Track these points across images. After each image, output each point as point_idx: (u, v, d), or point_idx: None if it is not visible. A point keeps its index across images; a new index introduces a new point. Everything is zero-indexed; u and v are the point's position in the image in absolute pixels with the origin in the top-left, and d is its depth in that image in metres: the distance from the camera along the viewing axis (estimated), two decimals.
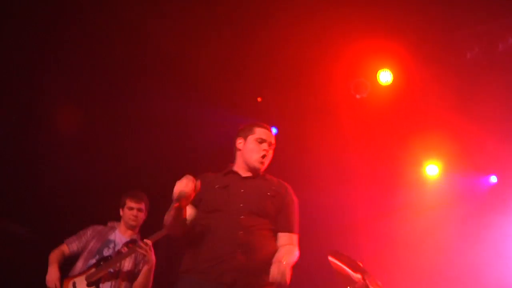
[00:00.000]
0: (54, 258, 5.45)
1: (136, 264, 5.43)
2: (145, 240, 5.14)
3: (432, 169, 8.29)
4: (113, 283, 5.30)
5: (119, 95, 7.49)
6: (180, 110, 7.71)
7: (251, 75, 7.63)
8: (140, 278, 5.35)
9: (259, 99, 8.22)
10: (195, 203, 3.94)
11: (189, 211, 3.90)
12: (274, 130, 8.42)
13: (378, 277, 4.89)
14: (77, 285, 5.33)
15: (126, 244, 5.45)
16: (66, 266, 5.51)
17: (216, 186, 4.02)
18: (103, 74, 7.26)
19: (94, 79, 7.31)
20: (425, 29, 6.86)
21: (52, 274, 5.34)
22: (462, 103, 7.10)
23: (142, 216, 5.61)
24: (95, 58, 7.10)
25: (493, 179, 8.15)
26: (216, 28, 6.96)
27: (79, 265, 5.46)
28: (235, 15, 6.82)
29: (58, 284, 5.29)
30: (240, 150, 4.17)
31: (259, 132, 4.16)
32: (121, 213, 5.67)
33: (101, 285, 5.26)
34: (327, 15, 6.57)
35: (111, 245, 5.52)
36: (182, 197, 3.65)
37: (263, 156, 4.08)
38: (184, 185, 3.65)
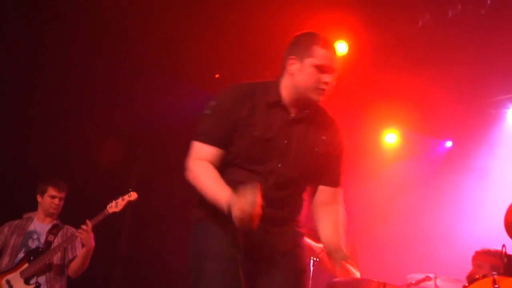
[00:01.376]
0: None
1: (65, 255, 5.44)
2: (85, 224, 5.12)
3: (391, 137, 8.52)
4: (47, 276, 5.32)
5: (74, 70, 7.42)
6: (141, 83, 7.69)
7: (209, 52, 7.60)
8: (78, 259, 5.34)
9: (216, 76, 8.23)
10: (223, 139, 3.13)
11: (211, 150, 3.11)
12: None
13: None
14: (11, 282, 5.27)
15: (50, 231, 5.47)
16: None
17: (255, 132, 3.12)
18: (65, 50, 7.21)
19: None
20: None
21: None
22: (416, 71, 7.18)
23: (61, 204, 5.57)
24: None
25: (448, 143, 8.42)
26: (178, 6, 6.91)
27: (5, 261, 5.39)
28: None
29: None
30: (292, 74, 3.17)
31: (321, 55, 3.12)
32: (39, 199, 5.58)
33: (35, 279, 5.25)
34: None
35: (34, 236, 5.49)
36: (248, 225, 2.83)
37: (324, 90, 3.13)
38: (246, 217, 2.80)
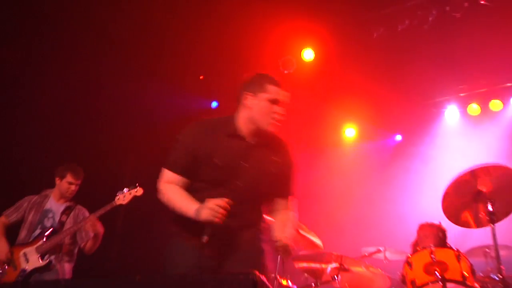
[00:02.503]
0: None
1: (76, 237, 5.41)
2: (93, 214, 5.12)
3: (350, 132, 8.60)
4: (59, 255, 5.27)
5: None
6: (130, 85, 7.43)
7: (194, 56, 7.59)
8: (90, 242, 5.31)
9: (201, 77, 8.20)
10: (185, 168, 3.31)
11: (176, 178, 3.31)
12: (215, 104, 8.53)
13: (308, 223, 5.18)
14: (28, 256, 5.18)
15: (64, 212, 5.40)
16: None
17: (215, 160, 3.26)
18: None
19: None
20: (340, 13, 7.04)
21: (2, 246, 5.22)
22: (373, 75, 7.28)
23: (76, 189, 5.48)
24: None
25: (398, 137, 8.57)
26: (165, 14, 6.87)
27: (23, 235, 5.33)
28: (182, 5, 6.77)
29: (9, 255, 5.17)
30: (250, 109, 3.30)
31: (273, 90, 3.29)
32: (57, 181, 5.48)
33: (48, 255, 5.16)
34: (260, 3, 6.61)
35: (50, 215, 5.42)
36: (215, 225, 3.05)
37: (276, 119, 3.28)
38: (215, 213, 3.03)
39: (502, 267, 4.20)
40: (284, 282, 4.97)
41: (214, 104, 8.59)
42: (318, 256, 5.18)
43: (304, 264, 5.22)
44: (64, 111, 7.08)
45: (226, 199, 3.07)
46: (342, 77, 7.60)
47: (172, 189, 3.29)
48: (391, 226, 7.14)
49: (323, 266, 5.18)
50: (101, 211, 5.07)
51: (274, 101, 3.26)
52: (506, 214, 4.45)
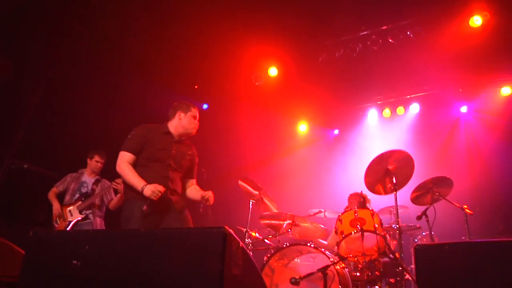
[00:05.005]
0: (52, 196, 5.54)
1: (102, 200, 5.56)
2: (118, 179, 5.25)
3: (302, 127, 8.76)
4: (92, 211, 5.47)
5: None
6: (137, 94, 7.19)
7: (190, 70, 7.62)
8: (115, 200, 5.54)
9: (196, 87, 8.27)
10: (138, 149, 3.77)
11: (131, 157, 3.75)
12: (205, 106, 8.54)
13: (270, 193, 5.48)
14: (72, 212, 5.39)
15: (94, 183, 5.61)
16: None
17: (159, 146, 3.82)
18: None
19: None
20: (296, 43, 7.24)
21: (56, 205, 5.45)
22: (319, 86, 7.42)
23: (102, 166, 5.71)
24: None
25: (336, 131, 8.75)
26: (165, 31, 6.76)
27: (67, 198, 5.52)
28: (179, 26, 6.66)
29: (60, 211, 5.41)
30: (180, 120, 3.96)
31: (195, 112, 4.04)
32: (88, 161, 5.69)
33: (84, 211, 5.41)
34: (239, 34, 6.72)
35: (85, 185, 5.59)
36: (153, 200, 3.54)
37: (195, 128, 4.03)
38: (157, 192, 3.55)
39: (399, 220, 4.67)
40: (253, 234, 5.22)
41: (205, 106, 8.58)
42: (277, 215, 5.31)
43: (267, 221, 5.37)
44: (89, 113, 6.86)
45: (161, 187, 3.58)
46: (297, 88, 7.75)
47: (128, 168, 3.73)
48: (330, 194, 7.24)
49: (280, 222, 5.32)
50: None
51: (195, 117, 4.01)
52: (403, 185, 4.85)
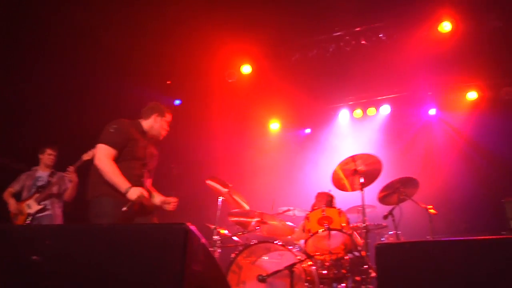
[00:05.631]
0: (7, 196, 5.52)
1: (59, 188, 5.57)
2: (70, 167, 5.30)
3: (274, 125, 8.76)
4: (50, 200, 5.47)
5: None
6: (109, 88, 7.12)
7: (163, 67, 7.56)
8: (69, 190, 5.52)
9: (168, 82, 8.21)
10: (122, 145, 3.69)
11: (113, 152, 3.65)
12: (177, 102, 8.48)
13: (241, 190, 5.45)
14: (30, 205, 5.40)
15: (50, 175, 5.61)
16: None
17: (140, 144, 3.80)
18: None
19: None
20: (269, 42, 7.28)
21: (12, 203, 5.44)
22: (291, 85, 7.48)
23: (55, 159, 5.69)
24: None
25: (307, 130, 8.79)
26: (139, 25, 6.65)
27: (24, 194, 5.54)
28: (155, 24, 6.60)
29: (17, 207, 5.39)
30: (155, 122, 3.97)
31: (169, 117, 4.08)
32: (40, 157, 5.70)
33: (43, 202, 5.41)
34: (213, 31, 6.67)
35: (40, 179, 5.60)
36: (135, 203, 3.52)
37: (165, 133, 4.08)
38: (142, 198, 3.55)
39: (366, 218, 4.76)
40: (222, 231, 5.21)
41: (177, 102, 8.52)
42: (246, 213, 5.31)
43: (235, 219, 5.37)
44: (58, 106, 6.76)
45: (145, 191, 3.60)
46: (270, 86, 7.77)
47: (111, 164, 3.60)
48: (301, 192, 7.24)
49: (249, 220, 5.32)
50: (75, 165, 5.27)
51: (168, 123, 4.06)
52: (369, 184, 4.99)
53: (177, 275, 1.79)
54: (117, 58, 7.00)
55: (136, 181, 3.63)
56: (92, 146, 4.93)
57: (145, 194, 3.56)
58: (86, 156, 5.16)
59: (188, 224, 1.84)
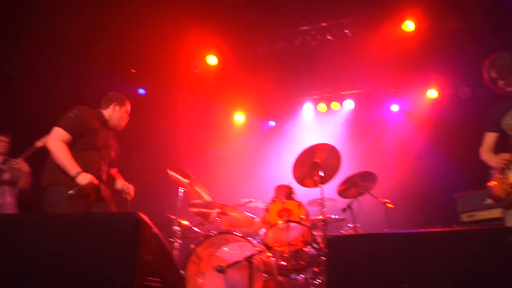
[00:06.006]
0: None
1: (12, 176, 5.42)
2: (19, 157, 5.18)
3: (239, 117, 8.73)
4: (2, 188, 5.34)
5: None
6: (72, 74, 6.91)
7: (128, 55, 7.43)
8: (23, 180, 5.38)
9: (133, 71, 8.08)
10: (78, 132, 3.64)
11: (67, 136, 3.60)
12: (142, 91, 8.35)
13: (204, 181, 5.41)
14: None
15: (2, 162, 5.44)
16: None
17: (100, 135, 3.78)
18: None
19: None
20: (234, 32, 7.23)
21: None
22: (256, 77, 7.42)
23: (8, 146, 5.53)
24: None
25: (272, 123, 8.85)
26: (104, 13, 6.49)
27: None
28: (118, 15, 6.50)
29: None
30: (114, 111, 3.96)
31: (128, 107, 4.06)
32: None
33: None
34: (178, 21, 6.61)
35: None
36: (84, 189, 3.49)
37: (125, 123, 4.08)
38: (91, 184, 3.51)
39: (325, 211, 4.80)
40: (183, 222, 5.19)
41: (142, 91, 8.38)
42: (206, 204, 5.31)
43: (196, 209, 5.37)
44: (21, 91, 6.50)
45: (96, 180, 3.56)
46: (236, 77, 7.74)
47: (63, 147, 3.55)
48: (264, 184, 7.19)
49: (210, 211, 5.32)
50: (26, 154, 5.15)
51: (127, 113, 4.03)
52: (330, 178, 5.05)
53: (128, 264, 1.80)
54: (81, 44, 6.84)
55: (95, 171, 3.60)
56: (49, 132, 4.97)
57: (95, 183, 3.52)
58: (39, 143, 5.03)
59: (140, 213, 1.82)
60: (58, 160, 3.52)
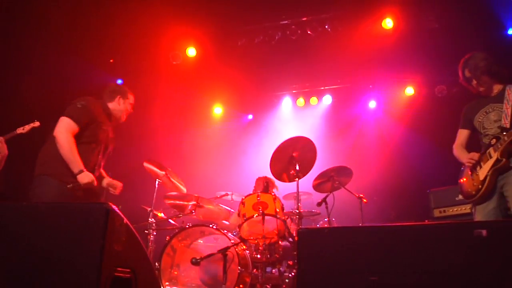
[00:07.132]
0: None
1: None
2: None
3: (218, 110, 8.70)
4: None
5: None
6: (51, 62, 6.73)
7: (107, 45, 7.34)
8: None
9: (111, 61, 7.99)
10: (85, 125, 3.61)
11: (76, 128, 3.56)
12: (119, 81, 8.20)
13: (181, 174, 5.38)
14: None
15: None
16: None
17: (103, 127, 3.76)
18: None
19: None
20: (215, 25, 7.21)
21: None
22: (236, 70, 7.36)
23: None
24: None
25: (250, 116, 8.83)
26: (87, 10, 6.49)
27: None
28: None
29: None
30: (118, 104, 3.95)
31: (132, 99, 4.07)
32: None
33: None
34: (159, 13, 6.55)
35: None
36: (83, 187, 3.47)
37: (128, 114, 4.08)
38: (91, 183, 3.49)
39: (300, 205, 4.86)
40: (158, 214, 5.20)
41: (119, 81, 8.14)
42: (182, 196, 5.31)
43: (172, 201, 5.36)
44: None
45: (96, 181, 3.57)
46: (215, 70, 7.67)
47: (71, 141, 3.52)
48: (241, 177, 7.35)
49: (185, 203, 5.33)
50: (6, 137, 4.90)
51: (131, 105, 4.06)
52: (306, 172, 5.06)
53: (96, 254, 1.80)
54: (59, 33, 6.74)
55: (92, 166, 3.62)
56: (29, 121, 4.89)
57: (95, 183, 3.52)
58: (20, 130, 4.92)
59: (111, 204, 1.83)
60: (64, 153, 3.49)
